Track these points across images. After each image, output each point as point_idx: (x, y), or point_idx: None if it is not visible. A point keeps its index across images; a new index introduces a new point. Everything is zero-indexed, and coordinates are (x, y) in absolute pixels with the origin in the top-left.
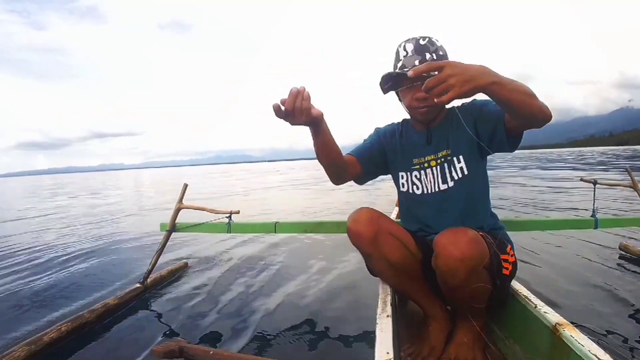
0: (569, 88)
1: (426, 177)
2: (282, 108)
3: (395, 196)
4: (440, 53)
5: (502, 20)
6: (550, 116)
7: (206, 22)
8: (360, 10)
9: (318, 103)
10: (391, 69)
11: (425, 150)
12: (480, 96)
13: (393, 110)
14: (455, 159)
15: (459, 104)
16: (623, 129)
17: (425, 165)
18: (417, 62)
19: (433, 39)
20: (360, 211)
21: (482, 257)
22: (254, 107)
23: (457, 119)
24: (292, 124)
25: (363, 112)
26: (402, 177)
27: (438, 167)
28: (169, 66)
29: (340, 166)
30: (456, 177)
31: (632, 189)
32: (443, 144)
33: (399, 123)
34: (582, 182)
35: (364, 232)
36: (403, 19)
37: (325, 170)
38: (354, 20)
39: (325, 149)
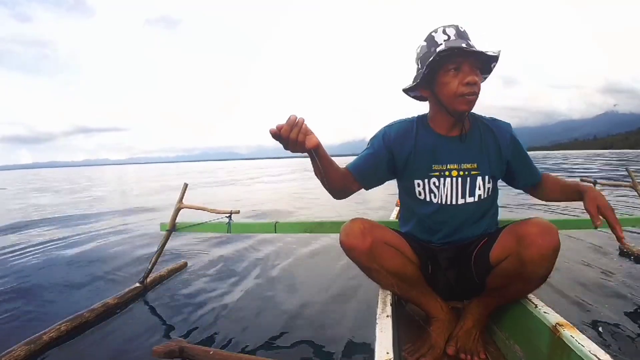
0: (553, 92)
1: (444, 187)
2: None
3: (395, 194)
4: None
5: (487, 23)
6: None
7: (196, 19)
8: (359, 11)
9: (316, 103)
10: (412, 67)
11: (448, 157)
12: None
13: (387, 111)
14: (483, 177)
15: (494, 122)
16: (608, 133)
17: (446, 173)
18: (464, 45)
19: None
20: (352, 223)
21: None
22: (245, 107)
23: (489, 137)
24: (287, 149)
25: (354, 112)
26: (419, 185)
27: (459, 179)
28: (157, 63)
29: (338, 187)
30: (482, 196)
31: (632, 189)
32: (469, 156)
33: (412, 121)
34: (581, 181)
35: (358, 245)
36: (396, 19)
37: (322, 186)
38: (351, 20)
39: (321, 175)
